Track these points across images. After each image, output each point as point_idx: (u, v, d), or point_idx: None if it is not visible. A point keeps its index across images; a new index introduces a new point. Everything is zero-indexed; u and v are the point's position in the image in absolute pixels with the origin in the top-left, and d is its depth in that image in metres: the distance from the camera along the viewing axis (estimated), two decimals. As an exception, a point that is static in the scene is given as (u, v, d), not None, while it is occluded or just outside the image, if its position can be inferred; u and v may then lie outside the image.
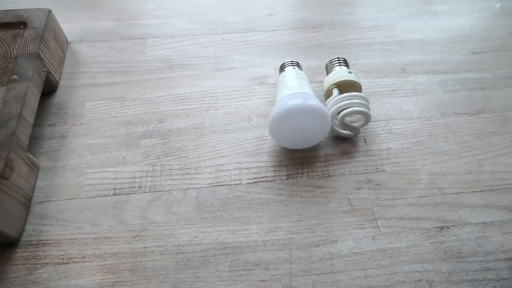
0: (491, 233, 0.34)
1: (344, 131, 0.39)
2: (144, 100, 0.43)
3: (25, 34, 0.40)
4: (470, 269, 0.32)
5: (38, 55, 0.39)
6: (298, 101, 0.35)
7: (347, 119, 0.39)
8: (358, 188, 0.37)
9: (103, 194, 0.36)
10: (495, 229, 0.35)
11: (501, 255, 0.33)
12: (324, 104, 0.39)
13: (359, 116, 0.39)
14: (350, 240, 0.34)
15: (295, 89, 0.38)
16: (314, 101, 0.35)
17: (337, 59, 0.42)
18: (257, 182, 0.37)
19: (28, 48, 0.39)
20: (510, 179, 0.37)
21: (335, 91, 0.39)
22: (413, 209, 0.36)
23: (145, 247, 0.33)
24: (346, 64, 0.41)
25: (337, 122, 0.39)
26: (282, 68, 0.42)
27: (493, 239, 0.34)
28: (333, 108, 0.38)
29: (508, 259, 0.33)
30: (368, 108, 0.38)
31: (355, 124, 0.39)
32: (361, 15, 0.52)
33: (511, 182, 0.37)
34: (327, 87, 0.40)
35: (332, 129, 0.39)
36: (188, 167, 0.38)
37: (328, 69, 0.42)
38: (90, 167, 0.38)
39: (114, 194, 0.36)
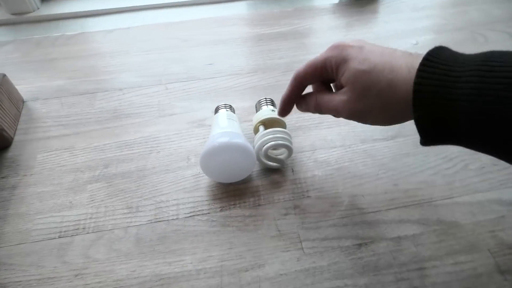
0: (405, 246, 0.38)
1: (271, 163, 0.43)
2: (92, 149, 0.47)
3: (-20, 98, 0.44)
4: (385, 280, 0.36)
5: (-9, 115, 0.43)
6: (225, 139, 0.40)
7: (272, 151, 0.43)
8: (285, 214, 0.40)
9: (49, 238, 0.39)
10: (408, 242, 0.38)
11: (414, 265, 0.36)
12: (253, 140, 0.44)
13: (283, 149, 0.44)
14: (276, 263, 0.37)
15: (225, 129, 0.42)
16: (239, 139, 0.40)
17: (264, 99, 0.47)
18: (193, 216, 0.41)
19: (-19, 110, 0.43)
20: (422, 195, 0.42)
21: (261, 128, 0.44)
22: (334, 230, 0.39)
23: (86, 284, 0.36)
24: (272, 103, 0.47)
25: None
26: (216, 110, 0.47)
27: (406, 251, 0.37)
28: (258, 143, 0.42)
29: (420, 269, 0.36)
30: (290, 142, 0.42)
31: (280, 156, 0.43)
32: (290, 58, 0.59)
33: (423, 197, 0.41)
34: (254, 124, 0.45)
35: (261, 162, 0.44)
36: (130, 206, 0.41)
37: (257, 108, 0.47)
38: (38, 214, 0.41)
39: (60, 237, 0.39)
